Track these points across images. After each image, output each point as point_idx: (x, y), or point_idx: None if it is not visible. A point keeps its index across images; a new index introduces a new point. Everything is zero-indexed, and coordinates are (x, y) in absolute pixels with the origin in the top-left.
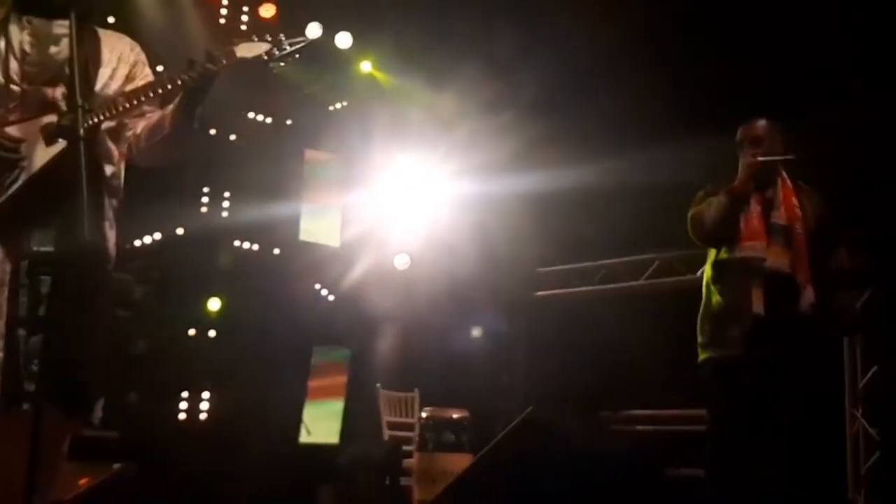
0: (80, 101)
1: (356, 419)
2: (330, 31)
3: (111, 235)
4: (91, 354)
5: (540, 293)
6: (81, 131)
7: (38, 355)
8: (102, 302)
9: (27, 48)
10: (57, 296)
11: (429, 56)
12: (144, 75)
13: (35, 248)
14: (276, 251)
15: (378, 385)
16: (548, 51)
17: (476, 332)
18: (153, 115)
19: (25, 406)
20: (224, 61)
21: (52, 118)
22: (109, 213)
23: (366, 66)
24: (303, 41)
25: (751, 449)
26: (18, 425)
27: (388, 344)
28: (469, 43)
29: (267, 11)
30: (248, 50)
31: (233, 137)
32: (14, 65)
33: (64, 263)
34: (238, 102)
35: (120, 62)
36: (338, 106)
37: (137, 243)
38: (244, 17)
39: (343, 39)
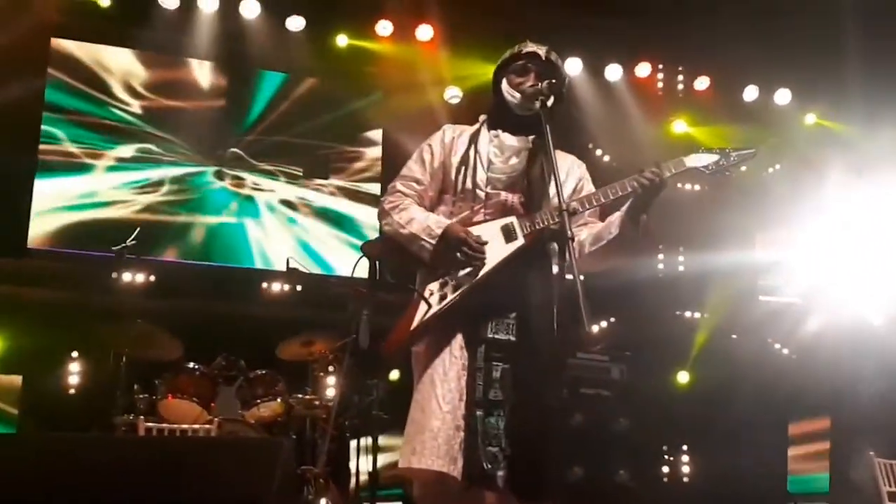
0: (564, 206)
1: (845, 492)
2: (767, 91)
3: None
4: (550, 438)
5: None
6: (570, 233)
7: (499, 438)
8: (561, 387)
9: (493, 158)
10: (516, 382)
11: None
12: (587, 190)
13: (491, 336)
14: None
15: (871, 453)
16: None
17: None
18: (595, 225)
19: (484, 486)
20: (673, 170)
21: (510, 219)
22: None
23: (810, 119)
24: (750, 154)
25: None
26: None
27: (873, 407)
28: None
29: (701, 84)
30: (696, 160)
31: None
32: (481, 172)
33: (522, 351)
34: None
35: (568, 176)
36: (770, 170)
37: (603, 325)
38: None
39: (782, 96)
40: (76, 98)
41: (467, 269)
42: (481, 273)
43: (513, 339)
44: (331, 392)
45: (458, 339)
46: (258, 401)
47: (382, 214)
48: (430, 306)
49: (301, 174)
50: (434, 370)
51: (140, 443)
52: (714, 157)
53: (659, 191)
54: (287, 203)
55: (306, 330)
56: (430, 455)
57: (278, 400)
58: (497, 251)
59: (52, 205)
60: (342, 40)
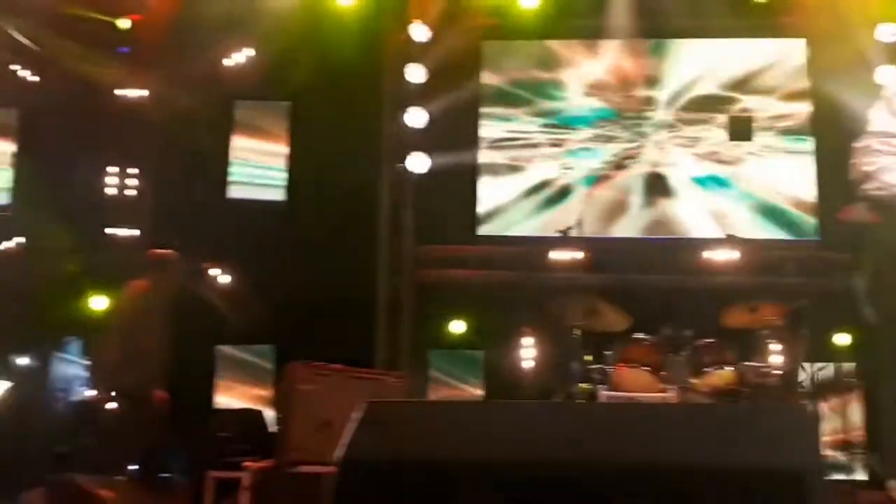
0: None
1: None
2: None
3: None
4: None
5: None
6: None
7: None
8: None
9: None
10: None
11: None
12: None
13: None
14: None
15: None
16: None
17: None
18: None
19: None
20: None
21: None
22: None
23: None
24: None
25: None
26: None
27: None
28: None
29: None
30: None
31: None
32: None
33: None
34: None
35: None
36: None
37: None
38: None
39: None
40: (509, 96)
41: None
42: None
43: None
44: (779, 359)
45: None
46: (706, 369)
47: (864, 178)
48: None
49: (726, 138)
50: None
51: (665, 408)
52: None
53: None
54: (713, 171)
55: (749, 297)
56: None
57: (728, 368)
58: None
59: (498, 194)
60: None
